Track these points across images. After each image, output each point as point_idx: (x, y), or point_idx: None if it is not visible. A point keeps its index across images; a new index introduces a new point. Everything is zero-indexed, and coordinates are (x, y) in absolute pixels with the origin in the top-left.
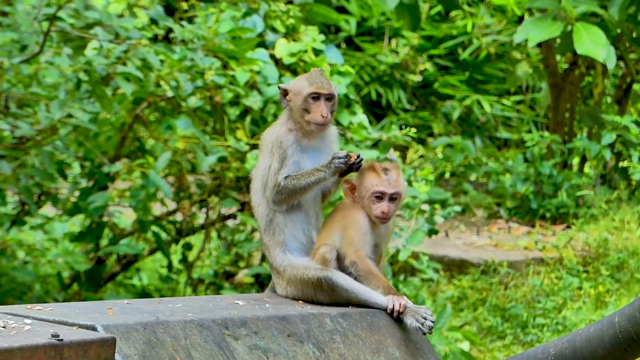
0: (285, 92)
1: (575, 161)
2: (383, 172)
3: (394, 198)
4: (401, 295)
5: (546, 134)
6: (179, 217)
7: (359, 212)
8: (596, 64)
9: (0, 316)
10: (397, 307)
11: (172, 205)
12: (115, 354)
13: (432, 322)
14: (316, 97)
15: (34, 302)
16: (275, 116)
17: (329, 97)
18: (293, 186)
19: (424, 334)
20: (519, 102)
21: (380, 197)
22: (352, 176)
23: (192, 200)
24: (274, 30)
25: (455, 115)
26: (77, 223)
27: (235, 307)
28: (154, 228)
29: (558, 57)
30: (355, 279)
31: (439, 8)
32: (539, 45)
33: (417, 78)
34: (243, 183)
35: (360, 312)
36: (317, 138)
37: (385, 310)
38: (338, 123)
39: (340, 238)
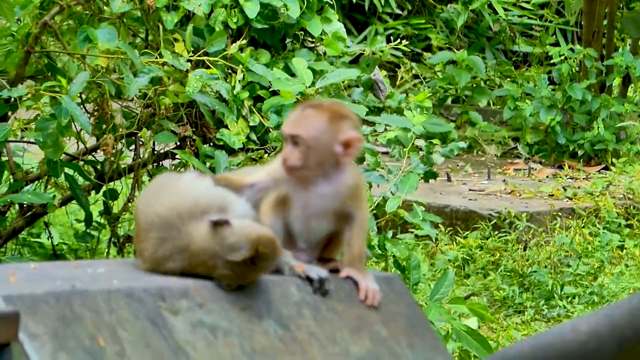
0: None
1: (616, 83)
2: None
3: (295, 141)
4: None
5: (578, 47)
6: (100, 156)
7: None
8: None
9: None
10: None
11: (91, 142)
12: (19, 333)
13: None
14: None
15: None
16: (225, 25)
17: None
18: None
19: None
20: (542, 6)
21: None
22: None
23: (118, 134)
24: None
25: (460, 22)
26: None
27: None
28: (68, 170)
29: None
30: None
31: None
32: None
33: None
34: (183, 112)
35: (337, 279)
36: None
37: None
38: (308, 33)
39: None
